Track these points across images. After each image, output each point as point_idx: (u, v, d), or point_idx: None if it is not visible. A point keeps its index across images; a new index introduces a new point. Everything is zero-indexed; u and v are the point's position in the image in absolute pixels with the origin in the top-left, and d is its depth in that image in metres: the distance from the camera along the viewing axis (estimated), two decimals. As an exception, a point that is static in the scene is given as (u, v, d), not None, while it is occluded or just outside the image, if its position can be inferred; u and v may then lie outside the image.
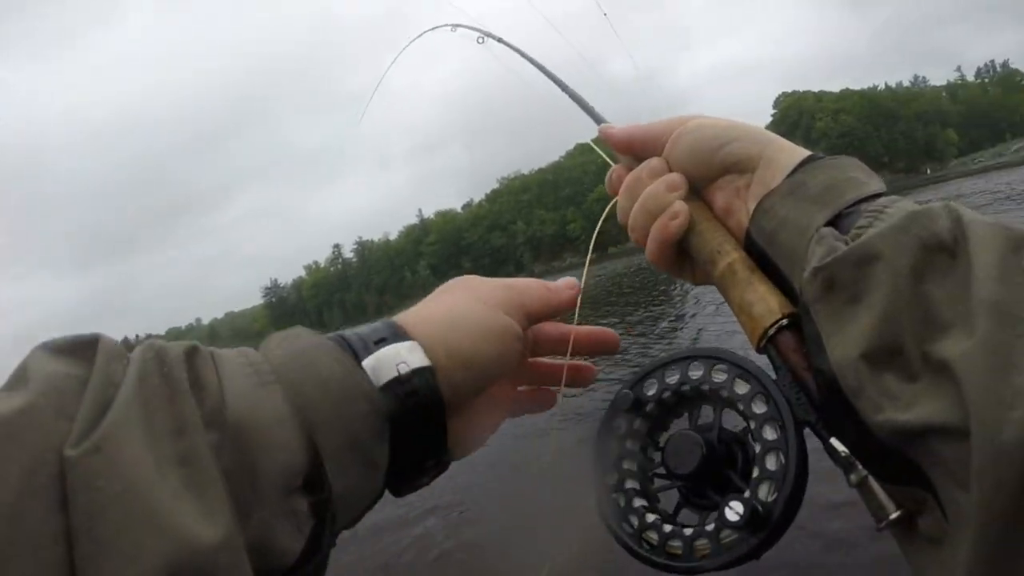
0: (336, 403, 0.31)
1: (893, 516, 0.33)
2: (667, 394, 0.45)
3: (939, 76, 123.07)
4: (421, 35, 0.98)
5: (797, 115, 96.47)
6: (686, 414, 0.46)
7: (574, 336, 0.47)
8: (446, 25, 0.87)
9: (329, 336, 0.35)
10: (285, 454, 0.28)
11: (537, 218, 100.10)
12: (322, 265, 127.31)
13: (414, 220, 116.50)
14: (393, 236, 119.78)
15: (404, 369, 0.34)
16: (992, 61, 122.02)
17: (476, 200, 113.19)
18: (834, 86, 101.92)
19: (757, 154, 0.44)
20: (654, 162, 0.48)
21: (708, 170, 0.46)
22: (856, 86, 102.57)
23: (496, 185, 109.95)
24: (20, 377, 0.26)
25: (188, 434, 0.26)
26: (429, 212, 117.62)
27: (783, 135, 0.44)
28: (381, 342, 0.35)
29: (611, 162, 0.61)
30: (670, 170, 0.47)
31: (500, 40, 0.78)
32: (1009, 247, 0.30)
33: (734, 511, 0.37)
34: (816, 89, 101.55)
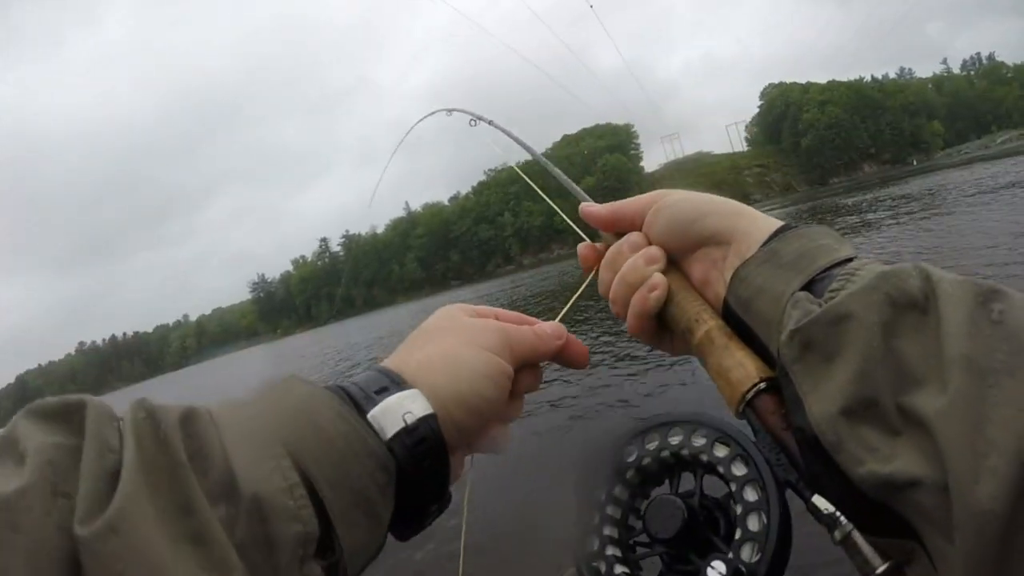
0: (341, 462, 0.31)
1: (880, 570, 0.33)
2: (647, 460, 0.45)
3: (925, 69, 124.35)
4: (421, 120, 1.06)
5: (784, 106, 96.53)
6: (667, 481, 0.46)
7: (550, 351, 0.48)
8: (442, 110, 0.95)
9: (328, 387, 0.35)
10: (299, 525, 0.28)
11: (524, 210, 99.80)
12: (309, 259, 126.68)
13: (401, 213, 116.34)
14: (380, 229, 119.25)
15: (411, 419, 0.34)
16: (978, 54, 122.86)
17: (463, 192, 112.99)
18: (820, 78, 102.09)
19: (732, 226, 0.45)
20: (634, 236, 0.49)
21: (686, 243, 0.47)
22: (842, 78, 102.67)
23: (483, 177, 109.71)
24: (10, 449, 0.25)
25: (196, 511, 0.25)
26: (416, 205, 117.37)
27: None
28: (383, 392, 0.35)
29: (540, 192, 0.63)
30: (649, 244, 0.49)
31: (491, 123, 0.85)
32: (977, 301, 0.31)
33: (717, 571, 0.37)
34: (803, 81, 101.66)
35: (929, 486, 0.29)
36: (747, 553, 0.37)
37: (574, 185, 0.63)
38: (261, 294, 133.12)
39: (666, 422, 0.45)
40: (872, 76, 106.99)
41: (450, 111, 0.94)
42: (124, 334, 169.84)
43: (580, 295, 0.54)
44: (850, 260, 0.39)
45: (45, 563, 0.22)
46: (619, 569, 0.42)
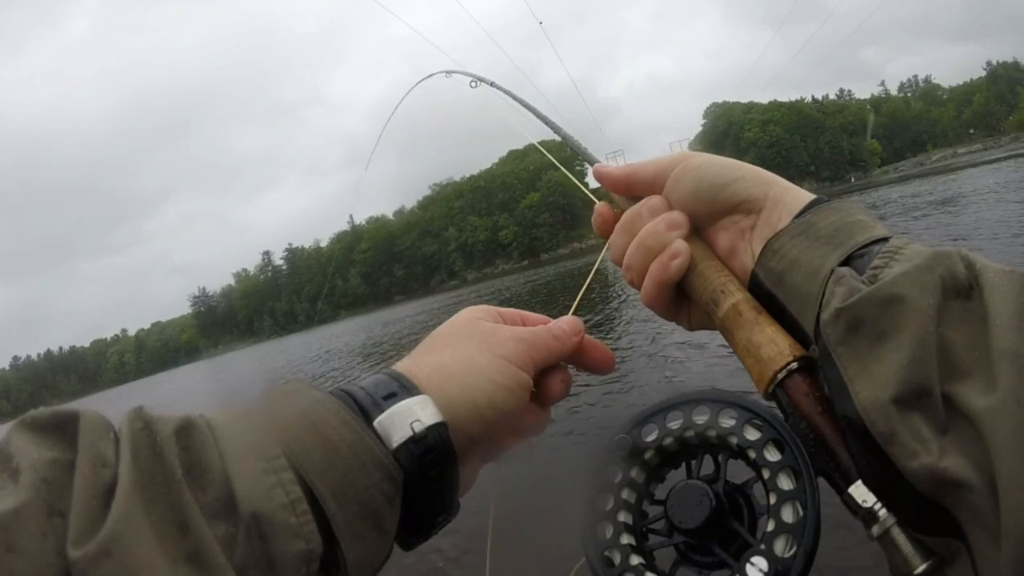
0: (347, 473, 0.30)
1: (919, 570, 0.31)
2: (668, 440, 0.41)
3: (864, 90, 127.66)
4: (419, 83, 1.06)
5: (727, 125, 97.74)
6: (684, 464, 0.42)
7: (574, 352, 0.45)
8: (441, 72, 0.92)
9: (333, 391, 0.34)
10: (301, 542, 0.27)
11: (469, 224, 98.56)
12: (252, 273, 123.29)
13: (345, 227, 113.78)
14: (324, 243, 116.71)
15: (419, 427, 0.33)
16: (915, 76, 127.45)
17: (408, 207, 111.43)
18: (763, 99, 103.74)
19: (763, 195, 0.42)
20: (654, 200, 0.46)
21: (712, 209, 0.44)
22: (784, 99, 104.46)
23: (428, 192, 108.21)
24: (4, 464, 0.25)
25: (193, 530, 0.25)
26: (361, 219, 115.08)
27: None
28: (391, 397, 0.34)
29: (559, 165, 0.63)
30: (671, 208, 0.46)
31: (492, 84, 0.82)
32: None
33: (757, 568, 0.34)
34: (745, 100, 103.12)
35: (979, 488, 0.28)
36: (780, 547, 0.34)
37: (584, 148, 0.61)
38: (202, 308, 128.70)
39: (690, 400, 0.41)
40: (812, 97, 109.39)
41: (448, 72, 0.90)
42: (60, 348, 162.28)
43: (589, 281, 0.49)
44: (886, 239, 0.37)
45: None
46: (635, 560, 0.38)
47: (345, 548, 0.29)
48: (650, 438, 0.41)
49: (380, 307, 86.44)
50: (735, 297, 0.41)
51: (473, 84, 0.83)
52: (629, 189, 0.48)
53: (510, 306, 0.45)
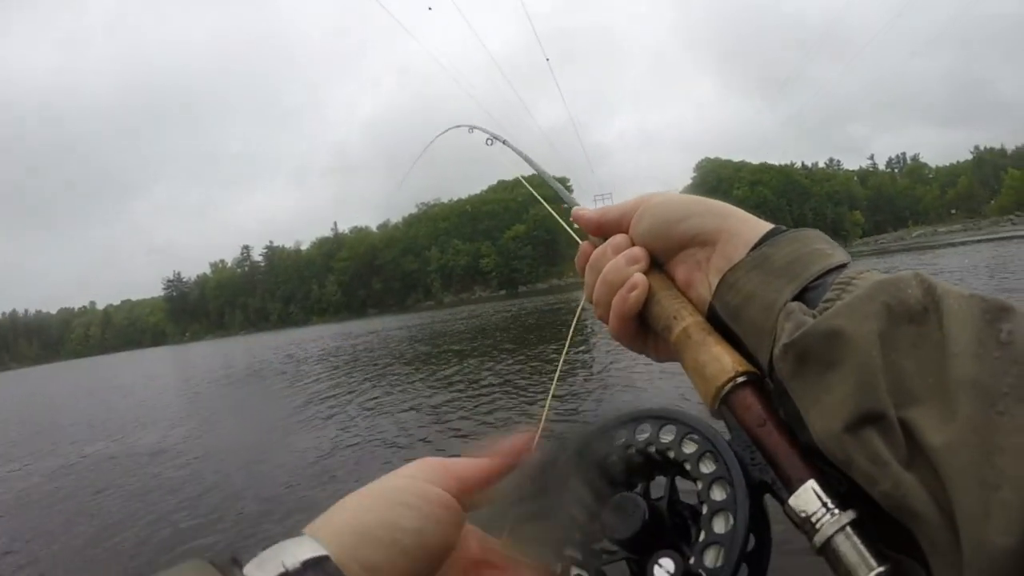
0: None
1: None
2: (613, 458, 0.41)
3: (853, 162, 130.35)
4: (442, 134, 1.15)
5: (716, 181, 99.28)
6: (639, 485, 0.42)
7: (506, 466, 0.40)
8: (464, 126, 1.01)
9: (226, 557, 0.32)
10: None
11: (452, 247, 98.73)
12: (229, 264, 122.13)
13: (328, 233, 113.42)
14: (305, 246, 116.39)
15: (291, 563, 0.29)
16: (903, 153, 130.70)
17: (393, 222, 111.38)
18: (754, 159, 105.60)
19: (717, 228, 0.43)
20: (618, 238, 0.49)
21: (669, 243, 0.46)
22: (775, 162, 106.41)
23: (414, 210, 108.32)
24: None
25: None
26: (344, 227, 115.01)
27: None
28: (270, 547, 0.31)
29: (538, 197, 0.72)
30: (633, 245, 0.48)
31: (504, 142, 0.92)
32: (984, 319, 0.30)
33: (664, 569, 0.33)
34: (737, 159, 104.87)
35: (935, 521, 0.28)
36: (711, 558, 0.34)
37: (569, 195, 0.66)
38: (174, 293, 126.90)
39: (635, 417, 0.42)
40: (803, 163, 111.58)
41: (471, 128, 0.98)
42: (26, 311, 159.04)
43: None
44: (844, 266, 0.38)
45: None
46: (574, 572, 0.39)
47: None
48: (597, 456, 0.42)
49: (354, 318, 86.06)
50: (686, 321, 0.43)
51: (489, 142, 0.91)
52: (600, 229, 0.51)
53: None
